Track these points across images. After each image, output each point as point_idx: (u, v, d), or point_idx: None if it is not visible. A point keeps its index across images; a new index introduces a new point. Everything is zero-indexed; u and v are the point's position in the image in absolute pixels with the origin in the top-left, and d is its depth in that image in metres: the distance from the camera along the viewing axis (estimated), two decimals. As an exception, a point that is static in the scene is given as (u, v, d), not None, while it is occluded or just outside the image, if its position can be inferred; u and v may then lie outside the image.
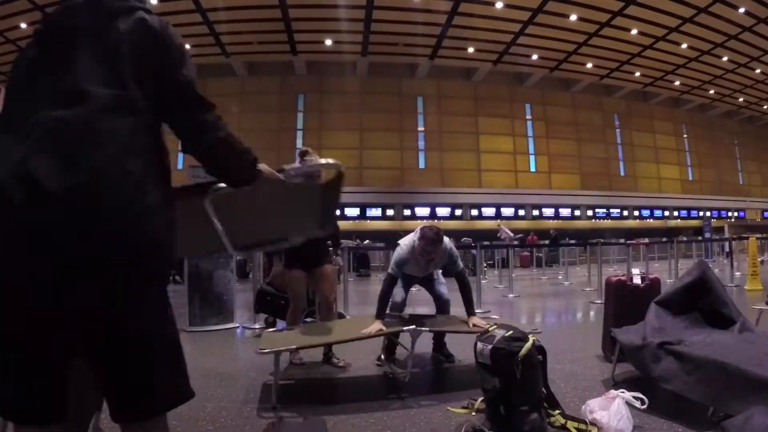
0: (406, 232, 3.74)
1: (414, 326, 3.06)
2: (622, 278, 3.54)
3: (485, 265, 13.01)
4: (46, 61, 1.08)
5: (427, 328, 3.23)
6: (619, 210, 22.39)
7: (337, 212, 2.20)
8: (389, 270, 3.49)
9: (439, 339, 3.71)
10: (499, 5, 14.73)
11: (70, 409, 1.05)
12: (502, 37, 17.04)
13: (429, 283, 3.81)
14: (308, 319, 4.83)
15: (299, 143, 19.76)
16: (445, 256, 3.49)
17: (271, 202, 1.63)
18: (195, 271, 5.42)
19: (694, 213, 23.67)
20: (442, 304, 3.74)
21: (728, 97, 22.74)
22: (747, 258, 8.53)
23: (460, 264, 3.54)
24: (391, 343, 3.53)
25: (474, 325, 3.19)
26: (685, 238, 18.09)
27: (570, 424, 2.22)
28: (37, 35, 1.12)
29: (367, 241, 15.37)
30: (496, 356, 2.25)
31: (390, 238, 15.69)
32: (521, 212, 20.92)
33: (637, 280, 3.46)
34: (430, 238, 3.33)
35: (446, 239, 3.49)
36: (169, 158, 1.17)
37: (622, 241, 13.93)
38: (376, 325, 3.12)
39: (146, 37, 1.12)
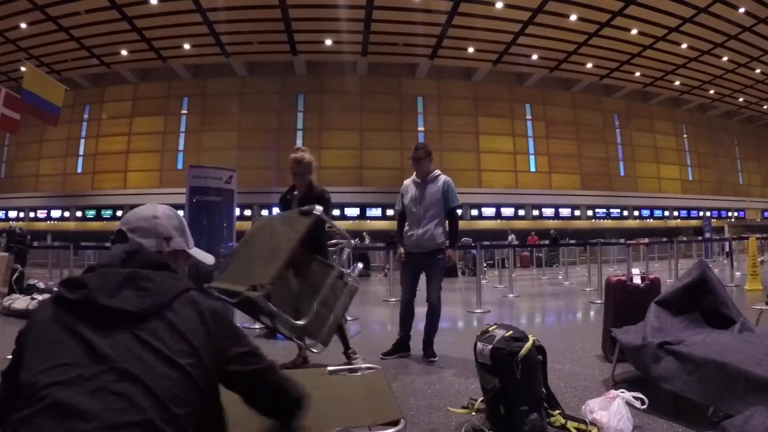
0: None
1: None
2: (622, 278, 3.54)
3: (485, 265, 13.01)
4: None
5: None
6: (619, 210, 22.38)
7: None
8: (396, 207, 4.06)
9: (427, 343, 3.83)
10: (499, 5, 14.72)
11: None
12: (502, 37, 17.03)
13: (429, 281, 3.87)
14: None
15: (299, 143, 19.76)
16: (443, 185, 3.83)
17: None
18: (194, 270, 5.38)
19: (694, 213, 23.67)
20: (430, 312, 3.83)
21: (728, 97, 22.73)
22: (747, 258, 8.53)
23: (455, 202, 3.86)
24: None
25: (448, 257, 3.79)
26: (685, 238, 18.11)
27: (570, 424, 2.22)
28: None
29: (367, 240, 15.40)
30: (496, 356, 2.25)
31: (390, 239, 15.78)
32: (521, 212, 20.91)
33: (637, 280, 3.46)
34: (415, 147, 3.90)
35: (446, 177, 3.90)
36: None
37: (622, 241, 13.94)
38: (400, 249, 3.93)
39: None
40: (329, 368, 2.20)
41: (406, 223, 3.93)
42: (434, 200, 3.82)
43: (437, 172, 3.92)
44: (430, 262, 3.82)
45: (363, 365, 2.15)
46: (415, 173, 3.95)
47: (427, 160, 3.88)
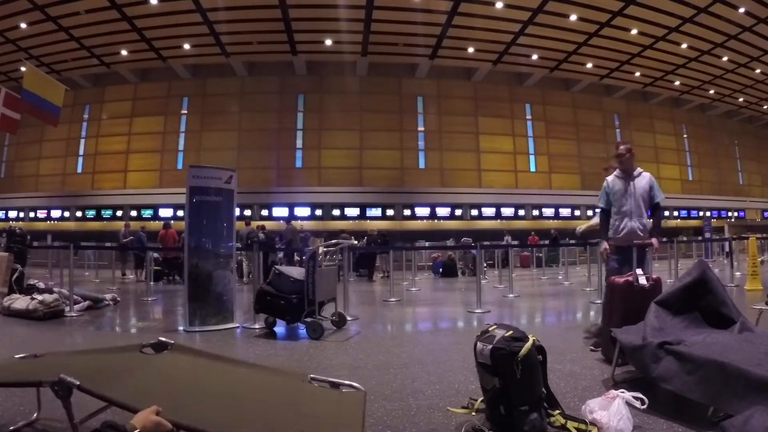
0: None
1: None
2: (629, 279, 3.53)
3: (485, 265, 13.00)
4: None
5: None
6: (619, 210, 22.36)
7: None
8: (600, 204, 4.31)
9: None
10: (499, 5, 14.73)
11: None
12: (502, 37, 17.03)
13: (640, 263, 4.01)
14: (308, 319, 4.80)
15: (299, 143, 19.79)
16: (649, 179, 4.16)
17: None
18: (195, 271, 5.39)
19: (694, 213, 23.67)
20: None
21: (728, 97, 22.74)
22: (747, 258, 8.53)
23: (659, 196, 4.17)
24: None
25: (655, 248, 4.06)
26: (685, 238, 18.10)
27: (570, 424, 2.22)
28: None
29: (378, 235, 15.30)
30: (496, 356, 2.24)
31: (389, 239, 15.75)
32: (521, 212, 20.91)
33: (642, 281, 3.44)
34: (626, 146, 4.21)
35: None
36: None
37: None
38: (604, 245, 4.21)
39: None
40: (311, 376, 2.09)
41: (615, 217, 4.22)
42: (645, 194, 4.16)
43: (639, 169, 4.27)
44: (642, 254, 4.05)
45: (346, 382, 2.03)
46: (622, 170, 4.22)
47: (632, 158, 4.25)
